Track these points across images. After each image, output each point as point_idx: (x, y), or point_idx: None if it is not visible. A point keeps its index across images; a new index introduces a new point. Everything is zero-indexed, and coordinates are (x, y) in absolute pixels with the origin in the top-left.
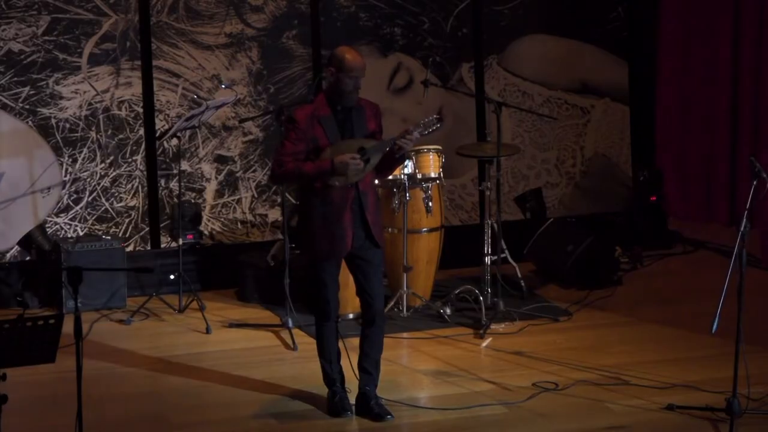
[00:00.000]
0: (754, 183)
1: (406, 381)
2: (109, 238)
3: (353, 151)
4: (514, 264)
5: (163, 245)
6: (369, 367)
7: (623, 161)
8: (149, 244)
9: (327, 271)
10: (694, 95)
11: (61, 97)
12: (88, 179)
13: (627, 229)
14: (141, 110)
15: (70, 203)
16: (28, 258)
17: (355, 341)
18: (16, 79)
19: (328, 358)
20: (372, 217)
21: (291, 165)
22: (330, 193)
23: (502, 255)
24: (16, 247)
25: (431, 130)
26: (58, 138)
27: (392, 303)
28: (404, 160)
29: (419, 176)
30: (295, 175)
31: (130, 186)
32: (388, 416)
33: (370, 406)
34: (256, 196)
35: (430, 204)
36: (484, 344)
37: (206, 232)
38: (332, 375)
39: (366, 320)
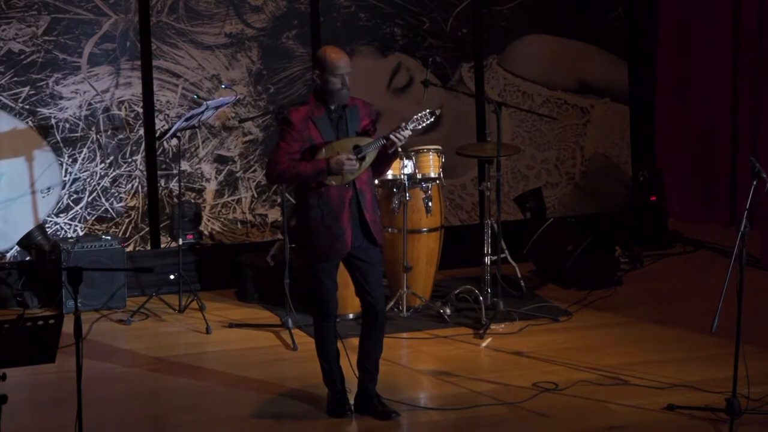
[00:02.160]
0: (754, 183)
1: (406, 381)
2: (109, 238)
3: (348, 149)
4: (514, 264)
5: (163, 245)
6: (370, 367)
7: (623, 161)
8: (149, 244)
9: (326, 272)
10: (694, 95)
11: (61, 97)
12: (88, 179)
13: (627, 229)
14: (141, 110)
15: (70, 203)
16: (28, 258)
17: (355, 341)
18: (16, 79)
19: (328, 358)
20: (370, 216)
21: (286, 165)
22: (328, 193)
23: (502, 255)
24: (16, 247)
25: (425, 124)
26: (58, 138)
27: (392, 303)
28: (397, 156)
29: (419, 176)
30: (290, 174)
31: (130, 186)
32: (394, 414)
33: (373, 405)
34: (256, 196)
35: (430, 204)
36: (484, 344)
37: (206, 232)
38: (332, 375)
39: (367, 320)
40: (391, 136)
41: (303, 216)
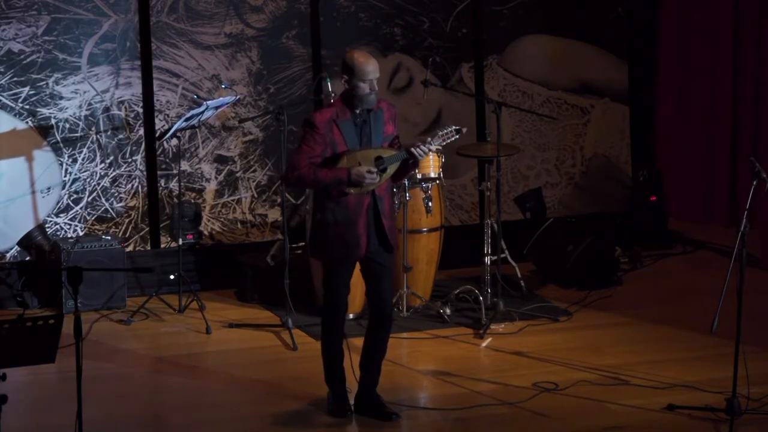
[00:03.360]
0: (754, 183)
1: (406, 381)
2: (109, 238)
3: (370, 159)
4: (514, 264)
5: (163, 245)
6: (371, 368)
7: (623, 161)
8: (149, 244)
9: (340, 275)
10: (694, 95)
11: (61, 97)
12: (88, 179)
13: (627, 229)
14: (141, 110)
15: (70, 203)
16: (28, 258)
17: (356, 341)
18: (16, 79)
19: (332, 358)
20: (388, 222)
21: (306, 170)
22: (346, 198)
23: (502, 255)
24: (16, 247)
25: (449, 141)
26: (58, 138)
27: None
28: (417, 166)
29: (419, 176)
30: (310, 180)
31: (130, 186)
32: (394, 415)
33: (374, 406)
34: (255, 196)
35: (430, 204)
36: (484, 344)
37: (206, 232)
38: (334, 374)
39: (374, 323)
40: (413, 151)
41: (320, 218)
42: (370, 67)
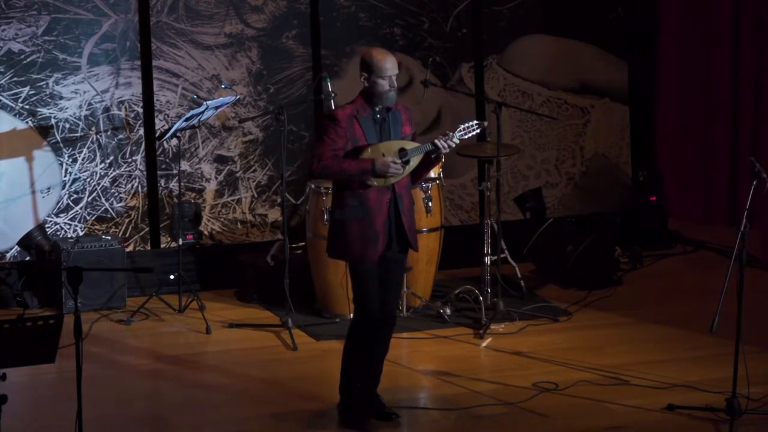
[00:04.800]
0: (754, 183)
1: (406, 381)
2: (109, 238)
3: (394, 151)
4: (514, 264)
5: (163, 245)
6: (373, 367)
7: (623, 161)
8: (149, 244)
9: (366, 274)
10: (694, 95)
11: (61, 97)
12: (88, 179)
13: (627, 229)
14: (141, 110)
15: (70, 203)
16: (28, 258)
17: None
18: (16, 79)
19: (355, 368)
20: (407, 221)
21: (330, 160)
22: (366, 195)
23: (502, 255)
24: (16, 247)
25: (471, 133)
26: (58, 138)
27: None
28: (439, 161)
29: None
30: (335, 170)
31: (130, 186)
32: (394, 415)
33: (375, 406)
34: (255, 196)
35: (430, 204)
36: (484, 344)
37: (206, 232)
38: (353, 385)
39: (380, 320)
40: (438, 143)
41: (339, 216)
42: (389, 64)
